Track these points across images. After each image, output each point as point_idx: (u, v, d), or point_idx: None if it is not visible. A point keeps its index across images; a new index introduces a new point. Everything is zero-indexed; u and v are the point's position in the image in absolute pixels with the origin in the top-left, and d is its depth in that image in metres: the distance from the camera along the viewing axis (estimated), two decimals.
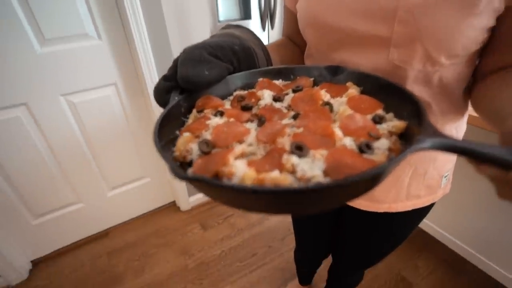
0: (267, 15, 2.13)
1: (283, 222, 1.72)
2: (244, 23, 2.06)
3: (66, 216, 1.51)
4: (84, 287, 1.40)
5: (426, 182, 0.58)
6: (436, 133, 0.27)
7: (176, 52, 1.34)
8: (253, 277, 1.41)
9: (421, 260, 1.44)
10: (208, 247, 1.59)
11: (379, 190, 0.59)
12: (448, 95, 0.47)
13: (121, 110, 1.42)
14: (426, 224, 1.54)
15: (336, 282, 0.97)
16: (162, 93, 0.42)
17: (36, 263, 1.52)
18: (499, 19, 0.38)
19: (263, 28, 2.17)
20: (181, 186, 1.74)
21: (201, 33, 1.66)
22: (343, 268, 0.89)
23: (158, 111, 1.42)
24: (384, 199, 0.60)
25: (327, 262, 1.03)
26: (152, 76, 1.32)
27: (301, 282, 1.25)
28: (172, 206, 1.88)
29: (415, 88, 0.46)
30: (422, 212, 0.63)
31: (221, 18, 2.02)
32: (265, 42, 2.20)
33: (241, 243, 1.61)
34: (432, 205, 0.63)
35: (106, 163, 1.51)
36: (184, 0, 1.39)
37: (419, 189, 0.58)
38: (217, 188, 0.25)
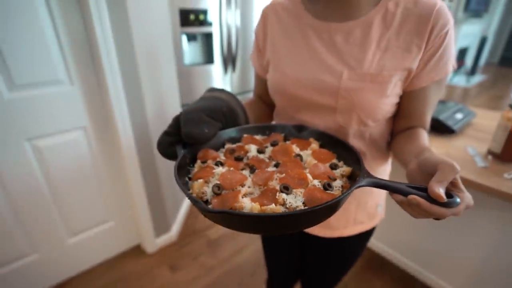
0: (229, 60, 2.38)
1: (251, 258, 1.82)
2: (207, 67, 2.28)
3: (17, 269, 1.43)
4: None
5: (367, 211, 0.79)
6: (369, 175, 0.46)
7: (146, 95, 1.46)
8: None
9: (377, 281, 1.64)
10: None
11: (333, 219, 0.78)
12: (376, 146, 0.70)
13: (88, 153, 1.47)
14: (379, 247, 1.78)
15: None
16: (165, 146, 0.56)
17: None
18: (401, 98, 0.62)
19: (225, 71, 2.41)
20: (148, 227, 1.76)
21: (168, 75, 1.82)
22: None
23: (128, 153, 1.49)
24: (337, 226, 0.79)
25: None
26: (123, 118, 1.40)
27: None
28: (137, 249, 1.87)
29: (354, 141, 0.67)
30: (367, 234, 0.85)
31: (186, 62, 2.22)
32: (228, 85, 2.46)
33: (212, 282, 1.66)
34: (373, 228, 0.84)
35: (67, 208, 1.50)
36: (154, 48, 1.55)
37: (363, 216, 0.79)
38: (237, 216, 0.40)
